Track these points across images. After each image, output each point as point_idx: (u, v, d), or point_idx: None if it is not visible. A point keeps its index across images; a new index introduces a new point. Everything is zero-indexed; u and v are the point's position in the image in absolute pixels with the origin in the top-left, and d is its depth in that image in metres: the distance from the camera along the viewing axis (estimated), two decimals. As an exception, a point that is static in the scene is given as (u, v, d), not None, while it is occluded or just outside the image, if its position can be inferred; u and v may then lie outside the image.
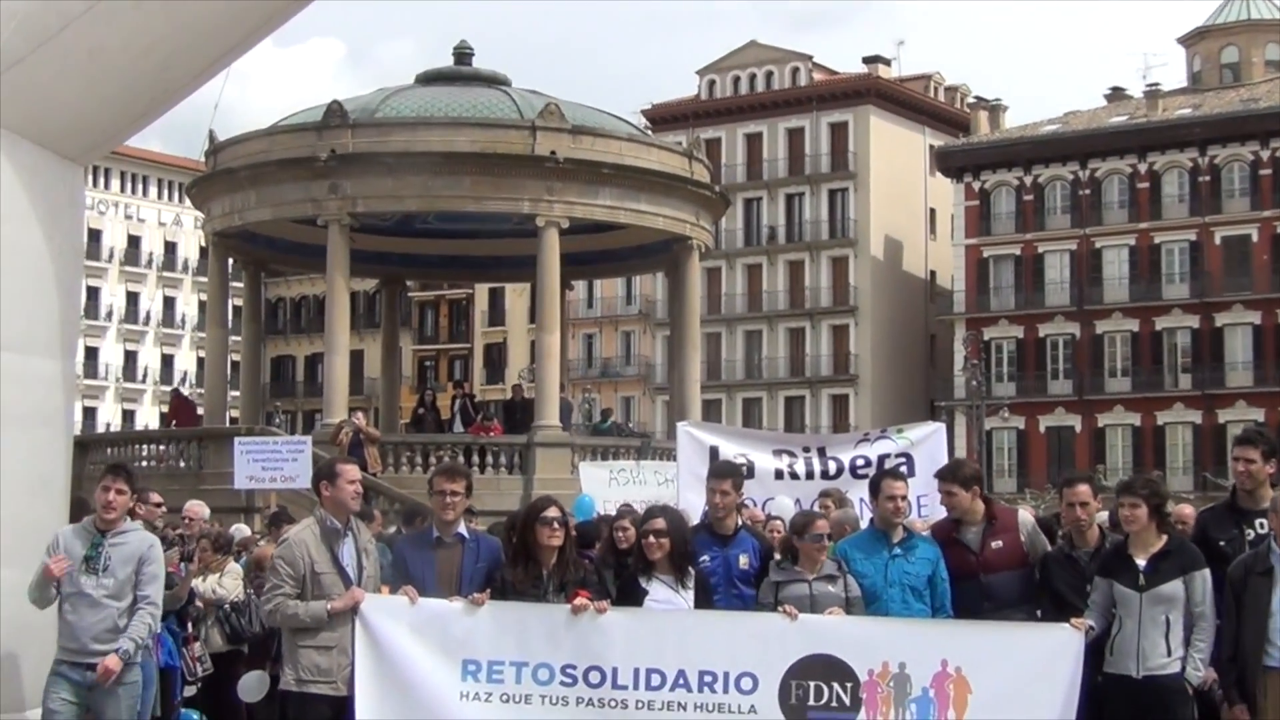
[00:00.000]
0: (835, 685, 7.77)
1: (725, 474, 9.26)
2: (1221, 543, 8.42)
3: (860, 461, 12.24)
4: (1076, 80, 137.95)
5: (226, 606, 11.71)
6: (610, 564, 8.85)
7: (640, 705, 7.79)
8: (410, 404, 37.02)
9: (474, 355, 77.99)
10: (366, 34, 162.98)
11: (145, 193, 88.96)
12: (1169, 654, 7.90)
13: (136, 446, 29.77)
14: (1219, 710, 8.23)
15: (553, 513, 8.16)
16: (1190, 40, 67.89)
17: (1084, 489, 8.68)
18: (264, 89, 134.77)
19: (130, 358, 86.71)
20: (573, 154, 27.52)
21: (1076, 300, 62.16)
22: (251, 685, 9.80)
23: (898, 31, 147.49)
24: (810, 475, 12.27)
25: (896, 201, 68.59)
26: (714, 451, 12.21)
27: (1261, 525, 8.21)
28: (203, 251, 63.88)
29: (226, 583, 11.86)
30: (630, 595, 8.23)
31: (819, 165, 69.35)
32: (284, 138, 28.62)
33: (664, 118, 70.64)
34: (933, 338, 69.94)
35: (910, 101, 71.23)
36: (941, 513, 9.73)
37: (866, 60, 71.60)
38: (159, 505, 11.23)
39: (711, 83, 72.77)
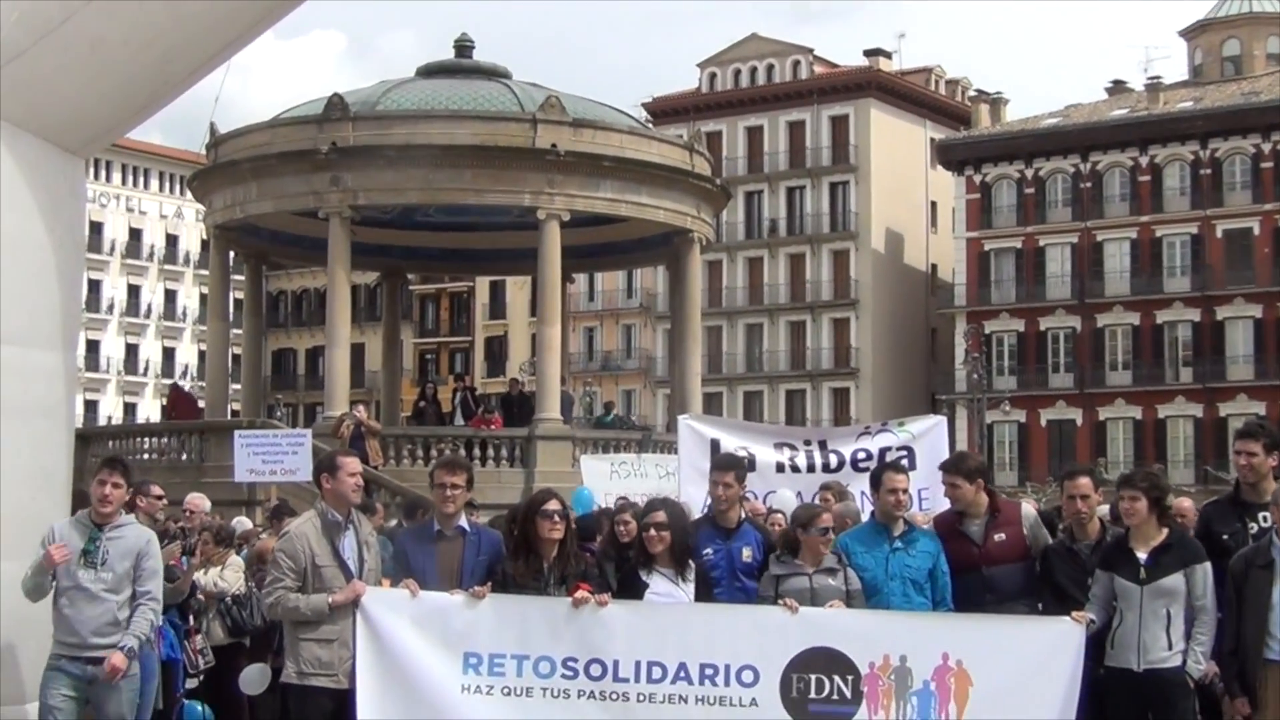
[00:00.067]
0: (836, 678, 7.78)
1: (728, 466, 9.26)
2: (1224, 536, 8.42)
3: (861, 455, 12.25)
4: (1077, 73, 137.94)
5: (228, 599, 11.72)
6: (611, 557, 8.86)
7: (641, 698, 7.79)
8: (411, 397, 37.06)
9: (475, 348, 77.99)
10: (367, 27, 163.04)
11: (146, 185, 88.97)
12: (1170, 647, 7.91)
13: (138, 439, 29.79)
14: (1220, 703, 8.24)
15: (553, 506, 8.16)
16: (1191, 33, 67.81)
17: (1085, 482, 8.68)
18: (265, 82, 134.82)
19: (131, 350, 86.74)
20: (574, 147, 27.51)
21: (1077, 293, 62.13)
22: (253, 678, 9.81)
23: (899, 24, 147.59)
24: (811, 468, 12.28)
25: (897, 195, 68.56)
26: (715, 444, 12.22)
27: (1264, 519, 8.21)
28: (204, 244, 63.96)
29: (228, 575, 11.86)
30: (631, 588, 8.23)
31: (820, 158, 69.31)
32: (285, 130, 28.62)
33: (665, 111, 70.59)
34: (934, 331, 69.92)
35: (911, 94, 71.17)
36: (942, 505, 9.74)
37: (867, 53, 71.51)
38: (160, 498, 11.21)
39: (712, 75, 72.71)
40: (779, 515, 11.03)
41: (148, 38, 8.66)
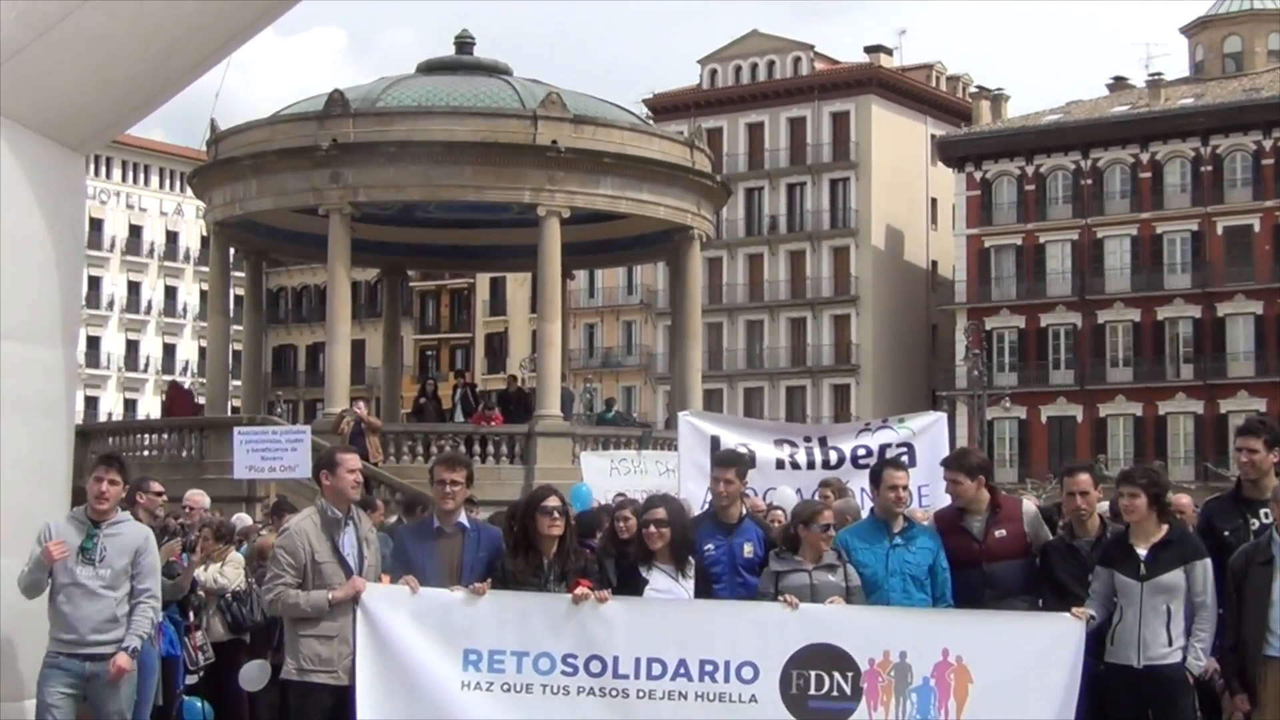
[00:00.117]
0: (836, 674, 7.78)
1: (730, 463, 9.26)
2: (1226, 532, 8.42)
3: (861, 451, 12.26)
4: (1078, 70, 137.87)
5: (228, 596, 11.72)
6: (611, 553, 8.85)
7: (641, 694, 7.80)
8: (411, 393, 37.07)
9: (475, 345, 77.99)
10: (368, 23, 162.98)
11: (147, 182, 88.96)
12: (1170, 644, 7.91)
13: (138, 436, 29.79)
14: (1220, 700, 8.25)
15: (553, 502, 8.16)
16: (1192, 30, 67.80)
17: (1084, 478, 8.68)
18: (265, 78, 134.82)
19: (132, 347, 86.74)
20: (574, 143, 27.50)
21: (1078, 290, 62.13)
22: (253, 674, 9.81)
23: (899, 21, 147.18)
24: (811, 465, 12.28)
25: (898, 191, 68.54)
26: (715, 441, 12.22)
27: (1266, 515, 8.21)
28: (204, 241, 63.96)
29: (228, 572, 11.86)
30: (630, 585, 8.23)
31: (820, 155, 69.28)
32: (285, 127, 28.60)
33: (665, 107, 70.56)
34: (934, 327, 69.92)
35: (912, 91, 71.14)
36: (942, 502, 9.74)
37: (868, 50, 71.50)
38: (160, 494, 11.21)
39: (713, 72, 72.68)
40: (779, 512, 11.03)
41: (148, 34, 8.66)
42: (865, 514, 9.63)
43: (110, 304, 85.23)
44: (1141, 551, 8.02)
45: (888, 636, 7.85)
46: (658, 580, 8.24)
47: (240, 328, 34.05)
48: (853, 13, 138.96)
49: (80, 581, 8.05)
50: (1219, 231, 60.29)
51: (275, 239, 32.30)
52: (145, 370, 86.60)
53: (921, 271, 70.54)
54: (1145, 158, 61.58)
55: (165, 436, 28.62)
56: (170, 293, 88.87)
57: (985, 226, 64.30)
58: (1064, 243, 63.07)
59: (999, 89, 70.04)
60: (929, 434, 12.45)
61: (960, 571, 8.58)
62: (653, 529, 8.29)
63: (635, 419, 47.98)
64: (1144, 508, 8.07)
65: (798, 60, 70.90)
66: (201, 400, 37.64)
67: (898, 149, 68.45)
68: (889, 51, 72.22)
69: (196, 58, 9.18)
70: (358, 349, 57.21)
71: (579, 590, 7.88)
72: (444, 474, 8.29)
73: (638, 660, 7.82)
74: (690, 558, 8.38)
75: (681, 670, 7.80)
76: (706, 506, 10.42)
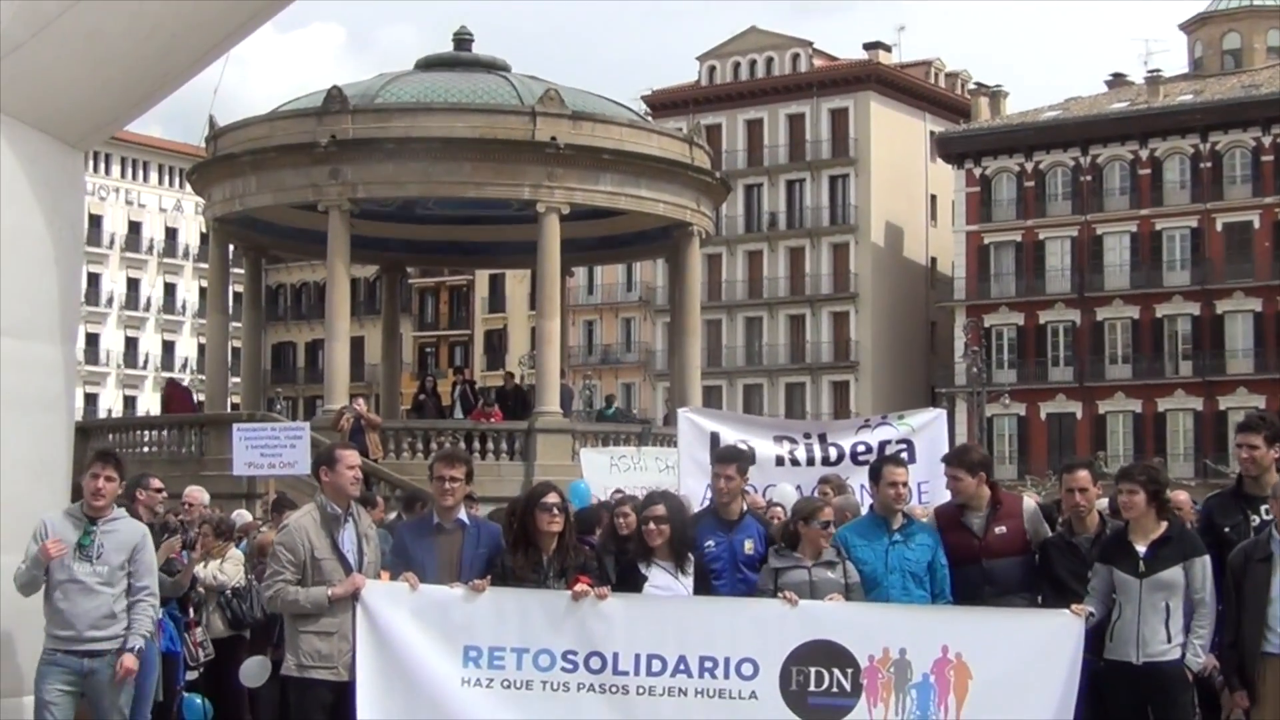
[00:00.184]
0: (836, 671, 7.79)
1: (731, 459, 9.26)
2: (1226, 528, 8.43)
3: (861, 448, 12.24)
4: (1078, 66, 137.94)
5: (228, 592, 11.72)
6: (611, 550, 8.86)
7: (641, 691, 7.80)
8: (411, 390, 37.04)
9: (474, 341, 77.99)
10: (367, 19, 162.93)
11: (146, 178, 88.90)
12: (1169, 640, 7.91)
13: (138, 432, 29.78)
14: (1219, 696, 8.25)
15: (552, 499, 8.16)
16: (1192, 26, 67.77)
17: (1083, 475, 8.68)
18: (264, 74, 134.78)
19: (131, 344, 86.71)
20: (573, 140, 27.49)
21: (1077, 287, 62.13)
22: (253, 670, 9.81)
23: (898, 17, 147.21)
24: (811, 461, 12.27)
25: (897, 188, 68.53)
26: (715, 438, 12.21)
27: (1266, 512, 8.20)
28: (203, 237, 63.92)
29: (228, 568, 11.86)
30: (629, 581, 8.23)
31: (820, 151, 69.27)
32: (284, 123, 28.59)
33: (664, 104, 70.54)
34: (933, 324, 69.92)
35: (911, 88, 71.13)
36: (942, 498, 9.74)
37: (867, 46, 71.50)
38: (160, 491, 11.21)
39: (712, 69, 72.66)
40: (779, 509, 11.03)
41: (146, 30, 8.65)
42: (864, 511, 9.63)
43: (109, 301, 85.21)
44: (1140, 548, 8.02)
45: (887, 633, 7.86)
46: (657, 577, 8.24)
47: (239, 324, 34.04)
48: (852, 9, 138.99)
49: (78, 578, 8.05)
50: (1218, 228, 60.29)
51: (274, 235, 32.28)
52: (144, 367, 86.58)
53: (921, 268, 70.53)
54: (1144, 154, 61.58)
55: (165, 433, 28.62)
56: (169, 289, 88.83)
57: (984, 223, 64.30)
58: (1063, 239, 63.07)
59: (998, 85, 70.07)
60: (928, 431, 12.43)
61: (960, 568, 8.58)
62: (652, 526, 8.29)
63: (635, 416, 47.95)
64: (1142, 504, 8.07)
65: (797, 57, 70.88)
66: (200, 397, 37.66)
67: (897, 145, 68.45)
68: (888, 48, 72.23)
69: (195, 54, 9.17)
70: (357, 346, 57.23)
71: (579, 587, 7.88)
72: (443, 471, 8.29)
73: (637, 657, 7.82)
74: (690, 554, 8.38)
75: (681, 667, 7.80)
76: (706, 503, 10.42)
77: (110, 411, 79.98)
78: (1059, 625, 7.92)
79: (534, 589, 7.98)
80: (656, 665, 7.81)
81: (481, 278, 75.21)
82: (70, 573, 8.04)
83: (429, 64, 31.22)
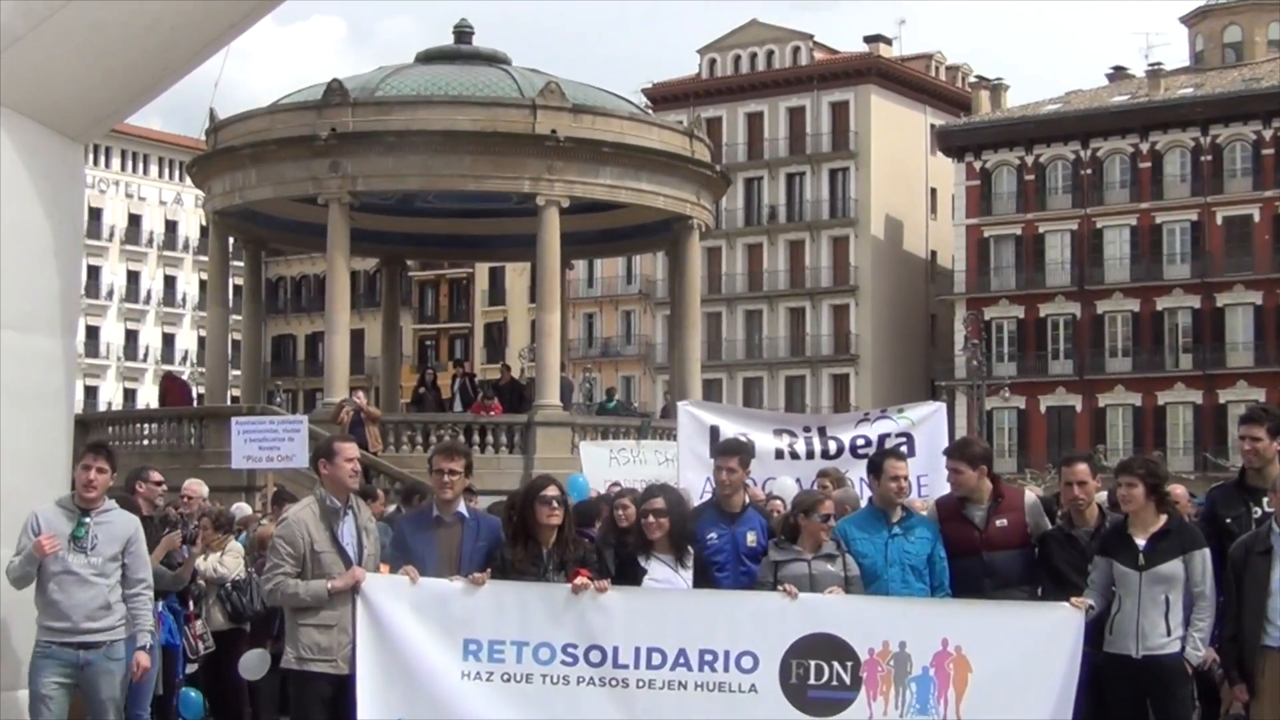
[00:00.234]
0: (836, 664, 7.78)
1: (733, 451, 9.25)
2: (1228, 520, 8.44)
3: (860, 441, 12.25)
4: (1078, 59, 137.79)
5: (228, 585, 11.74)
6: (610, 543, 8.86)
7: (641, 684, 7.80)
8: (411, 383, 37.04)
9: (474, 334, 77.99)
10: (367, 12, 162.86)
11: (146, 171, 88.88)
12: (1168, 634, 7.91)
13: (137, 425, 29.77)
14: (1218, 690, 8.25)
15: (552, 492, 8.16)
16: (1192, 19, 67.72)
17: (1082, 468, 8.68)
18: (264, 67, 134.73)
19: (131, 337, 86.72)
20: (573, 133, 27.46)
21: (1077, 280, 62.11)
22: (253, 663, 9.83)
23: (899, 11, 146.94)
24: (810, 455, 12.27)
25: (897, 181, 68.50)
26: (714, 431, 12.21)
27: (1268, 504, 8.20)
28: (203, 230, 63.89)
29: (228, 561, 11.87)
30: (628, 574, 8.23)
31: (820, 145, 69.24)
32: (284, 116, 28.56)
33: (665, 97, 70.50)
34: (933, 318, 69.91)
35: (911, 81, 71.08)
36: (942, 492, 9.74)
37: (868, 39, 71.40)
38: (160, 484, 11.23)
39: (712, 62, 72.59)
40: (778, 502, 11.04)
41: (147, 22, 8.64)
42: (863, 504, 9.63)
43: (109, 293, 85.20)
44: (1140, 541, 8.02)
45: (887, 626, 7.86)
46: (656, 570, 8.24)
47: (239, 317, 34.03)
48: (852, 2, 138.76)
49: (72, 569, 8.04)
50: (1218, 221, 60.25)
51: (274, 228, 32.26)
52: (144, 360, 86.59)
53: (921, 261, 70.52)
54: (1145, 148, 61.54)
55: (164, 426, 28.61)
56: (169, 282, 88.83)
57: (984, 216, 64.28)
58: (1063, 233, 63.06)
59: (998, 79, 69.97)
60: (928, 424, 12.44)
61: (960, 560, 8.58)
62: (651, 519, 8.29)
63: (635, 409, 47.94)
64: (1141, 497, 8.07)
65: (797, 50, 70.83)
66: (200, 390, 37.65)
67: (897, 139, 68.41)
68: (888, 41, 72.13)
69: (195, 46, 9.16)
70: (357, 339, 57.21)
71: (578, 580, 7.88)
72: (443, 463, 8.29)
73: (637, 650, 7.81)
74: (689, 548, 8.38)
75: (681, 660, 7.80)
76: (705, 496, 10.42)
77: (110, 404, 79.98)
78: (1059, 618, 7.92)
79: (533, 582, 7.98)
80: (656, 658, 7.80)
81: (481, 271, 75.19)
82: (65, 564, 8.03)
83: (429, 57, 31.17)
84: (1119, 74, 68.56)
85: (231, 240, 32.50)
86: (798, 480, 11.61)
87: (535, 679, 7.81)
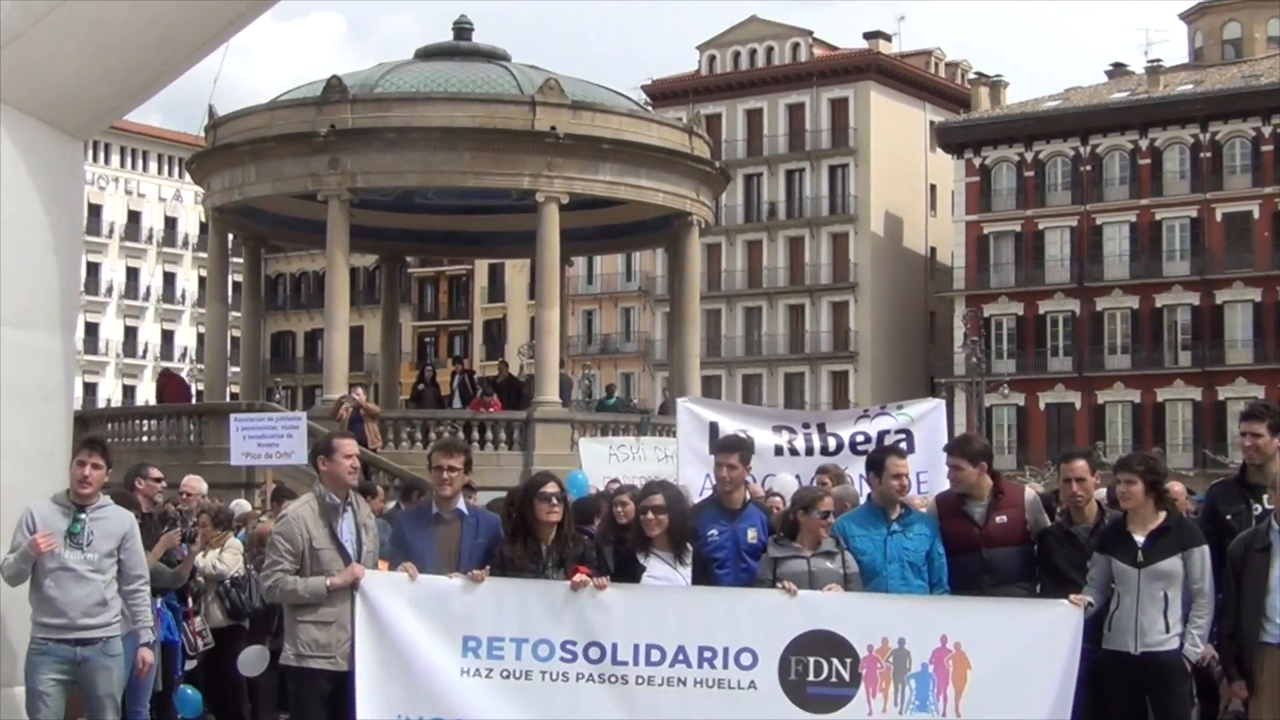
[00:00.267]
0: (835, 661, 7.78)
1: (734, 448, 9.24)
2: (1229, 516, 8.43)
3: (860, 438, 12.25)
4: (1078, 56, 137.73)
5: (227, 581, 11.74)
6: (610, 539, 8.85)
7: (640, 681, 7.79)
8: (410, 380, 37.06)
9: (474, 331, 77.99)
10: (366, 9, 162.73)
11: (145, 168, 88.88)
12: (1167, 630, 7.91)
13: (136, 422, 29.75)
14: (1217, 686, 8.25)
15: (551, 488, 8.15)
16: (1192, 16, 67.71)
17: (1080, 465, 8.69)
18: (264, 63, 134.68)
19: (130, 333, 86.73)
20: (573, 129, 27.46)
21: (1077, 277, 62.10)
22: (252, 660, 9.83)
23: (898, 7, 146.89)
24: (810, 451, 12.28)
25: (897, 178, 68.49)
26: (714, 428, 12.22)
27: (1268, 500, 8.20)
28: (203, 227, 63.94)
29: (227, 558, 11.88)
30: (627, 571, 8.23)
31: (819, 141, 69.22)
32: (284, 113, 28.56)
33: (664, 93, 70.49)
34: (933, 314, 69.91)
35: (911, 77, 71.06)
36: (941, 489, 9.74)
37: (867, 36, 71.38)
38: (159, 480, 11.22)
39: (712, 58, 72.57)
40: (778, 498, 11.04)
41: (146, 19, 8.64)
42: (863, 500, 9.63)
43: (109, 290, 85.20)
44: (1139, 538, 8.02)
45: (886, 623, 7.85)
46: (655, 567, 8.23)
47: (239, 314, 34.02)
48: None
49: (69, 565, 8.03)
50: (1218, 218, 60.24)
51: (274, 225, 32.26)
52: (144, 356, 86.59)
53: (920, 258, 70.51)
54: (1144, 144, 61.51)
55: (163, 423, 28.61)
56: (169, 279, 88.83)
57: (984, 213, 64.26)
58: (1063, 229, 63.04)
59: (998, 75, 69.93)
60: (927, 421, 12.45)
61: (960, 556, 8.58)
62: (650, 515, 8.27)
63: (635, 406, 47.95)
64: (1140, 494, 8.07)
65: (797, 46, 70.80)
66: (200, 387, 37.63)
67: (897, 135, 68.39)
68: (888, 37, 72.12)
69: (194, 43, 9.16)
70: (356, 335, 57.20)
71: (577, 577, 7.87)
72: (442, 460, 8.29)
73: (636, 647, 7.81)
74: (688, 545, 8.37)
75: (680, 657, 7.79)
76: (705, 493, 10.41)
77: (109, 401, 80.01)
78: (1058, 615, 7.91)
79: (533, 579, 7.97)
80: (655, 655, 7.80)
81: (481, 267, 75.21)
82: (61, 560, 8.01)
83: (428, 53, 31.16)
84: (1119, 70, 68.56)
85: (231, 237, 32.50)
86: (797, 477, 11.62)
87: (534, 676, 7.81)
